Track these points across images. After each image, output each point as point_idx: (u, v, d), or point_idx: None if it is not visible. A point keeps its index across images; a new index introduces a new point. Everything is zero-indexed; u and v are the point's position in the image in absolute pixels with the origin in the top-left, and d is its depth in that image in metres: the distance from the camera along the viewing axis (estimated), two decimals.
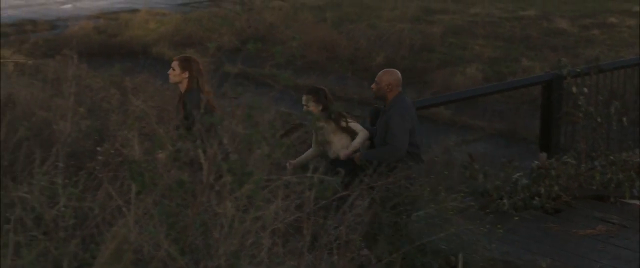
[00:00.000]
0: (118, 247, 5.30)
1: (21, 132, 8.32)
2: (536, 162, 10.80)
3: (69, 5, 31.61)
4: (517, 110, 17.29)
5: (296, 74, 17.84)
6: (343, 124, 9.21)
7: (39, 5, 31.47)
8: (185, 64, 9.13)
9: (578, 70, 11.40)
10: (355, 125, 9.28)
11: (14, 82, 11.43)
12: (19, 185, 6.41)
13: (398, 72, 9.53)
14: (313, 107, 9.16)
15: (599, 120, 11.30)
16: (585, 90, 11.35)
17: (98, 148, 7.79)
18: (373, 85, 9.44)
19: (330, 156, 9.22)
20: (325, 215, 6.73)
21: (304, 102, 9.22)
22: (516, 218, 9.58)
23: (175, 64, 9.21)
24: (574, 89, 11.25)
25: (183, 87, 9.17)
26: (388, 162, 8.67)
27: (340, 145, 9.19)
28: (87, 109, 9.73)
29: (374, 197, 7.85)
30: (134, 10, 29.20)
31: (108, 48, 23.48)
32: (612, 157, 11.04)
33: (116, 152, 7.18)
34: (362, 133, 9.25)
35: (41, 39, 23.36)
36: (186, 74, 9.08)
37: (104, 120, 10.48)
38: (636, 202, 10.57)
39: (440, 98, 13.91)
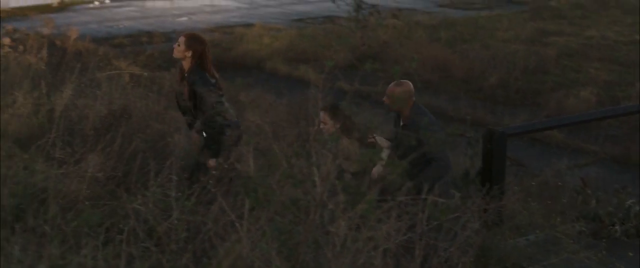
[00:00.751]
0: (231, 263, 5.30)
1: (136, 143, 8.42)
2: None
3: (184, 18, 32.04)
4: (631, 135, 16.93)
5: None
6: (370, 139, 9.00)
7: (155, 18, 31.97)
8: (191, 43, 9.00)
9: None
10: (380, 139, 9.05)
11: (129, 93, 11.57)
12: (132, 197, 6.47)
13: (410, 83, 9.18)
14: (330, 125, 8.94)
15: None
16: None
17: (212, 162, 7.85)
18: (385, 98, 9.11)
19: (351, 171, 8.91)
20: (436, 237, 6.65)
21: (320, 119, 8.88)
22: (629, 245, 9.36)
23: (181, 39, 9.09)
24: None
25: (186, 64, 9.02)
26: (440, 178, 8.51)
27: (361, 163, 8.95)
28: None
29: (486, 219, 7.76)
30: (249, 25, 29.48)
31: (222, 62, 23.64)
32: None
33: (230, 167, 7.21)
34: (387, 145, 9.02)
35: (156, 51, 23.67)
36: (190, 53, 8.95)
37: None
38: None
39: (553, 121, 13.69)
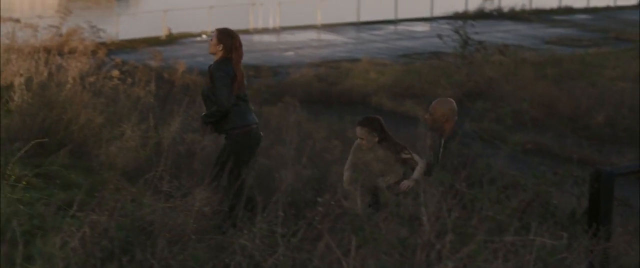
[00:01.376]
0: None
1: (244, 178, 8.43)
2: None
3: (291, 53, 32.28)
4: None
5: (511, 130, 17.58)
6: (406, 155, 8.89)
7: (262, 52, 32.26)
8: (222, 37, 9.03)
9: None
10: (415, 157, 8.94)
11: None
12: (239, 232, 6.48)
13: (453, 101, 8.96)
14: (368, 140, 8.84)
15: None
16: None
17: (318, 199, 7.82)
18: (427, 116, 8.88)
19: (381, 185, 8.79)
20: None
21: (358, 134, 8.87)
22: None
23: (214, 33, 9.14)
24: None
25: (217, 58, 9.05)
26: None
27: (395, 176, 8.86)
28: (308, 159, 9.79)
29: (592, 261, 7.58)
30: (355, 60, 29.55)
31: (328, 96, 23.80)
32: None
33: (337, 204, 7.17)
34: (422, 163, 8.89)
35: (263, 85, 23.86)
36: (221, 47, 8.98)
37: (325, 170, 10.56)
38: None
39: None
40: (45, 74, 13.50)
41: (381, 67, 27.98)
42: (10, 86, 12.80)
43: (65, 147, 9.82)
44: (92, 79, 13.09)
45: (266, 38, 36.59)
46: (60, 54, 17.17)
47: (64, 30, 22.53)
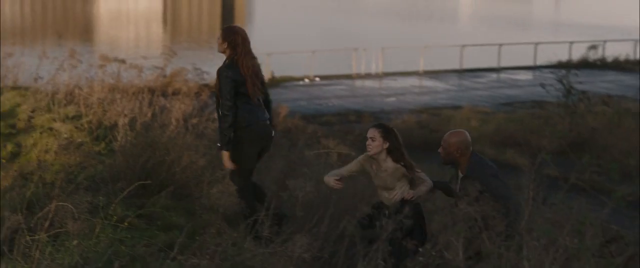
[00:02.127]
0: None
1: (344, 225, 8.41)
2: None
3: (393, 99, 32.26)
4: None
5: (614, 182, 17.23)
6: (419, 173, 8.76)
7: (364, 97, 32.31)
8: (227, 34, 9.05)
9: None
10: (422, 175, 8.79)
11: None
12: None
13: (466, 133, 8.78)
14: (379, 142, 8.70)
15: None
16: None
17: (420, 249, 7.75)
18: (440, 150, 8.73)
19: (386, 200, 8.74)
20: None
21: (369, 135, 8.76)
22: None
23: (219, 33, 9.15)
24: None
25: (226, 59, 9.08)
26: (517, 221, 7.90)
27: (401, 192, 8.70)
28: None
29: None
30: (457, 107, 29.42)
31: (429, 143, 23.57)
32: None
33: (438, 254, 7.09)
34: (428, 182, 8.79)
35: (365, 131, 23.81)
36: (226, 44, 9.00)
37: (427, 220, 10.45)
38: None
39: None
40: (149, 114, 13.68)
41: (483, 115, 27.77)
42: (114, 126, 12.99)
43: (167, 189, 9.89)
44: (195, 121, 13.21)
45: (368, 83, 36.65)
46: (164, 95, 17.40)
47: (168, 71, 22.84)
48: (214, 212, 9.42)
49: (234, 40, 8.99)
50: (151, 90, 17.75)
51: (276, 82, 35.34)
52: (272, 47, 39.24)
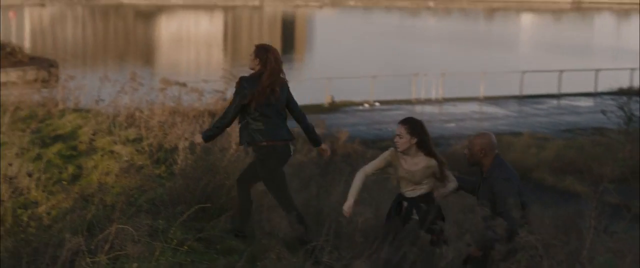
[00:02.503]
0: None
1: (404, 252, 8.37)
2: None
3: (452, 124, 32.15)
4: None
5: None
6: (446, 169, 8.80)
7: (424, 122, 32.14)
8: (259, 51, 9.29)
9: None
10: (449, 173, 8.85)
11: None
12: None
13: (492, 134, 8.86)
14: (406, 139, 8.72)
15: None
16: None
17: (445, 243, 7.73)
18: (465, 151, 8.82)
19: (410, 193, 8.81)
20: None
21: (396, 132, 8.80)
22: None
23: (253, 49, 9.40)
24: None
25: (252, 72, 9.34)
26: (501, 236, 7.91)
27: (427, 187, 8.77)
28: (471, 235, 9.61)
29: None
30: (517, 134, 29.20)
31: None
32: None
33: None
34: (455, 181, 8.91)
35: None
36: (257, 61, 9.26)
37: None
38: None
39: None
40: None
41: (543, 142, 27.56)
42: (174, 149, 13.05)
43: (226, 213, 9.91)
44: None
45: (428, 109, 36.54)
46: None
47: (227, 94, 22.95)
48: (273, 236, 9.41)
49: (267, 58, 9.23)
50: (211, 114, 17.85)
51: (336, 106, 35.38)
52: (332, 72, 39.34)
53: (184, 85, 20.59)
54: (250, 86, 9.14)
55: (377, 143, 26.31)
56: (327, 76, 37.56)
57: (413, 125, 8.80)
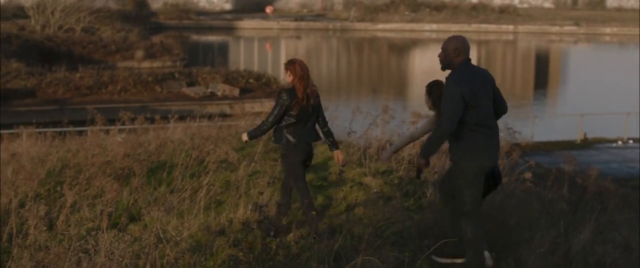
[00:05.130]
0: None
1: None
2: None
3: None
4: None
5: None
6: None
7: None
8: (287, 65, 10.57)
9: None
10: None
11: None
12: None
13: (466, 38, 8.97)
14: (426, 98, 9.53)
15: None
16: None
17: None
18: (439, 54, 8.98)
19: None
20: None
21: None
22: None
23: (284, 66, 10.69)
24: None
25: (289, 85, 10.62)
26: (437, 144, 8.75)
27: None
28: None
29: None
30: None
31: None
32: None
33: None
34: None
35: None
36: (288, 73, 10.56)
37: None
38: None
39: None
40: None
41: None
42: (423, 182, 13.11)
43: None
44: (504, 180, 13.11)
45: None
46: None
47: None
48: None
49: (294, 68, 10.47)
50: None
51: (588, 143, 34.60)
52: (585, 108, 38.51)
53: None
54: (289, 95, 10.36)
55: (629, 182, 25.52)
56: (580, 112, 36.80)
57: (429, 89, 9.59)
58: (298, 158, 10.55)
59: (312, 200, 10.60)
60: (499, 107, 9.14)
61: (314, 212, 10.38)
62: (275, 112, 10.43)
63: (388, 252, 9.14)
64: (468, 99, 8.64)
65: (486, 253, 9.22)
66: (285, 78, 10.92)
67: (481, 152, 8.81)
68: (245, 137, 10.80)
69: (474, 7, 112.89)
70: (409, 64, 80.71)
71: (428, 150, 8.89)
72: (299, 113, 10.41)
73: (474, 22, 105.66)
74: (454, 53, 8.86)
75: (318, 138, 10.85)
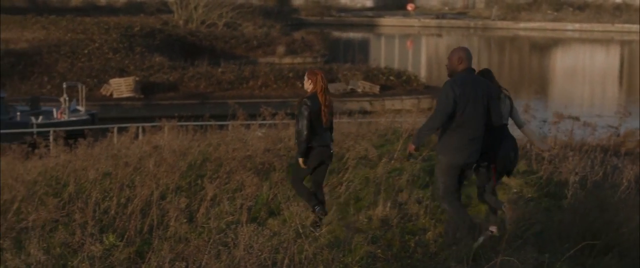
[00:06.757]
0: None
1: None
2: None
3: None
4: None
5: None
6: None
7: None
8: (310, 75, 11.26)
9: None
10: None
11: None
12: None
13: (468, 49, 9.87)
14: None
15: None
16: None
17: None
18: (446, 64, 9.86)
19: None
20: None
21: None
22: None
23: (306, 74, 11.40)
24: None
25: (308, 93, 11.20)
26: (424, 133, 9.70)
27: None
28: None
29: None
30: None
31: None
32: None
33: None
34: None
35: None
36: (310, 82, 11.19)
37: None
38: None
39: None
40: (600, 173, 13.47)
41: None
42: (564, 183, 12.93)
43: (613, 250, 9.68)
44: None
45: None
46: (616, 155, 17.05)
47: (621, 131, 22.35)
48: None
49: (316, 79, 11.12)
50: (603, 149, 17.47)
51: None
52: None
53: (577, 119, 20.26)
54: (312, 103, 10.96)
55: None
56: None
57: None
58: (314, 161, 11.17)
59: (310, 192, 11.31)
60: (492, 117, 9.97)
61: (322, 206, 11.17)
62: (306, 120, 10.93)
63: (528, 253, 9.04)
64: (458, 101, 9.53)
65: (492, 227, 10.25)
66: (305, 86, 11.37)
67: (455, 150, 9.77)
68: (301, 163, 11.15)
69: (618, 7, 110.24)
70: (550, 64, 79.49)
71: (417, 138, 9.86)
72: (318, 118, 11.03)
73: (617, 22, 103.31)
74: (457, 61, 9.84)
75: (332, 140, 11.45)
